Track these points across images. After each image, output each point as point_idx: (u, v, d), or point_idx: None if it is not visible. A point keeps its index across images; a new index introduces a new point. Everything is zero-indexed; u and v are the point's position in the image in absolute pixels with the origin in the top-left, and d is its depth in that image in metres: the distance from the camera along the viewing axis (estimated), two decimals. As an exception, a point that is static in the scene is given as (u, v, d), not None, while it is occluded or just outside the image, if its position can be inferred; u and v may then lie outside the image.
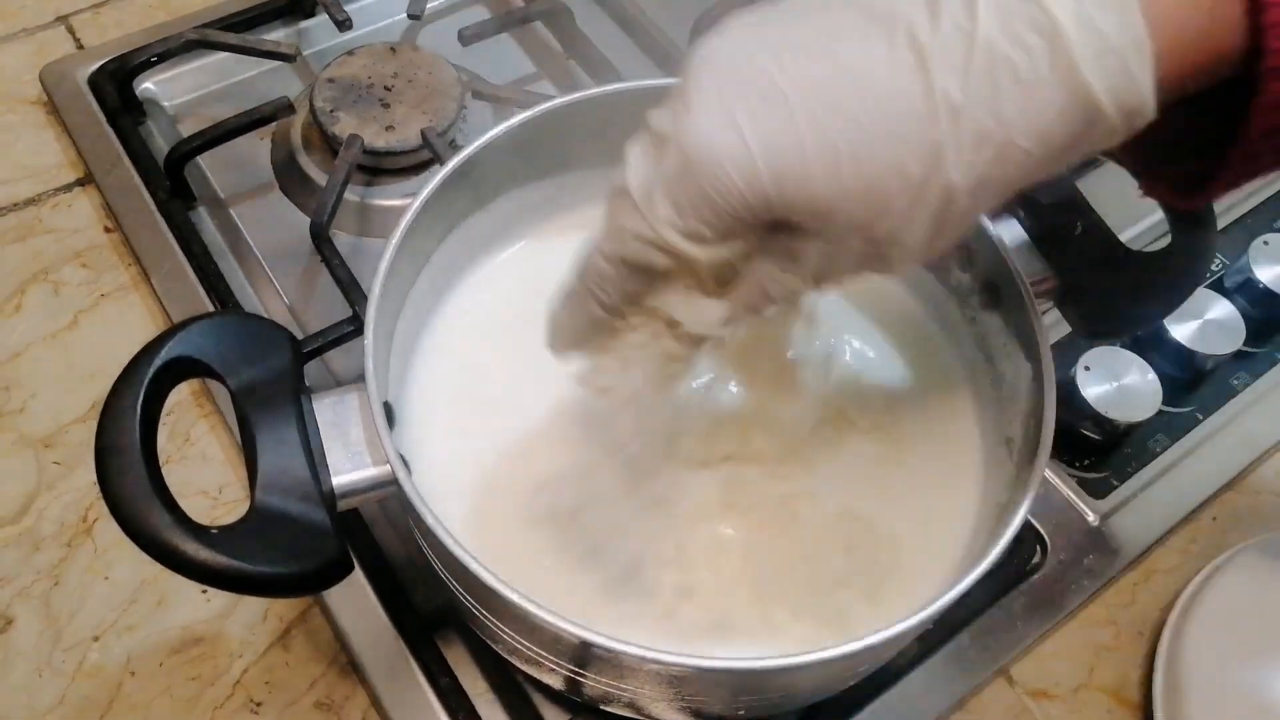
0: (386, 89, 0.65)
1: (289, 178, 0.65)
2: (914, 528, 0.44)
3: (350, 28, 0.69)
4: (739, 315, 0.35)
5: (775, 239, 0.32)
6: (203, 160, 0.65)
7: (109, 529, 0.52)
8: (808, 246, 0.32)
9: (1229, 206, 0.65)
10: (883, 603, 0.42)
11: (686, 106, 0.30)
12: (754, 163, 0.29)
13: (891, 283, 0.50)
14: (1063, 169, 0.30)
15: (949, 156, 0.28)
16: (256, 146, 0.67)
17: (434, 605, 0.50)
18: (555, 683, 0.43)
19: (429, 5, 0.72)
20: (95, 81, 0.67)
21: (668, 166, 0.30)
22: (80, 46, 0.72)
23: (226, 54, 0.69)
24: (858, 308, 0.49)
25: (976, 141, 0.28)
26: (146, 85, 0.69)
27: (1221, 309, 0.57)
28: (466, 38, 0.68)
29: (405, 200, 0.62)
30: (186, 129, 0.67)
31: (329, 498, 0.36)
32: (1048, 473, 0.55)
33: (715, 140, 0.29)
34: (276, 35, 0.72)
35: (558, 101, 0.45)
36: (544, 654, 0.39)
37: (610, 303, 0.34)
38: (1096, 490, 0.55)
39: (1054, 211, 0.44)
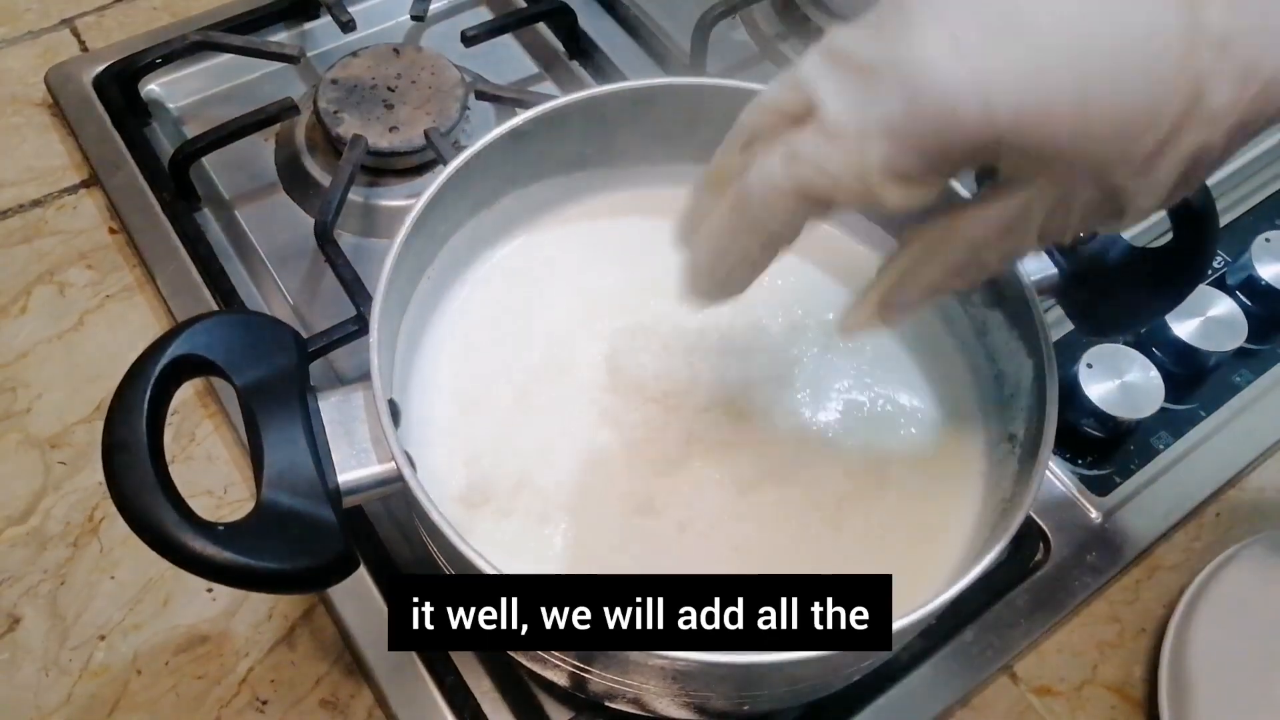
0: (390, 90, 0.65)
1: (293, 179, 0.66)
2: (914, 524, 0.44)
3: (354, 29, 0.70)
4: (947, 287, 0.32)
5: (993, 196, 0.30)
6: (207, 161, 0.65)
7: (115, 528, 0.52)
8: (1032, 201, 0.29)
9: (1231, 203, 0.66)
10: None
11: (909, 33, 0.26)
12: (992, 99, 0.26)
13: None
14: None
15: (1210, 96, 0.26)
16: (261, 148, 0.67)
17: (439, 603, 0.50)
18: (560, 679, 0.43)
19: (432, 6, 0.73)
20: (100, 84, 0.68)
21: (887, 102, 0.26)
22: (85, 49, 0.72)
23: (231, 56, 0.70)
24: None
25: (1243, 76, 0.26)
26: (151, 87, 0.69)
27: (1223, 306, 0.57)
28: (469, 38, 0.68)
29: (409, 201, 0.62)
30: (191, 130, 0.68)
31: (334, 495, 0.36)
32: (1050, 470, 0.55)
33: (948, 74, 0.26)
34: (280, 37, 0.72)
35: (560, 101, 0.45)
36: (548, 651, 0.39)
37: (778, 239, 0.31)
38: (1099, 487, 0.55)
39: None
